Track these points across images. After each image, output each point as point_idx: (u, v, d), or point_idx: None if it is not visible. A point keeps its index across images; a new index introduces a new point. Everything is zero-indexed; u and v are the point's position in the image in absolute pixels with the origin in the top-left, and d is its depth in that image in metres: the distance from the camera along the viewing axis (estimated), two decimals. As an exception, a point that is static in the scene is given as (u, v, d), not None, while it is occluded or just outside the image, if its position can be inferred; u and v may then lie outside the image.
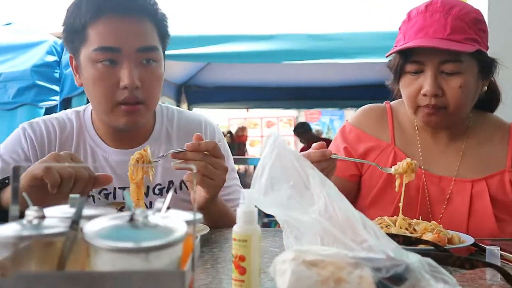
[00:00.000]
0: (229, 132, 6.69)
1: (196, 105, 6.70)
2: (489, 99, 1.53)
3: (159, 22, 1.43)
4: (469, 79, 1.38)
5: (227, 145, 1.67)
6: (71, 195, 0.67)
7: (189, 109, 6.47)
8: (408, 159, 1.31)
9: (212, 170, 1.27)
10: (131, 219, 0.57)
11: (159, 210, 0.65)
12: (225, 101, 6.69)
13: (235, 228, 0.82)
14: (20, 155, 1.43)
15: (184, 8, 4.47)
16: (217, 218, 1.42)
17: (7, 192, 1.20)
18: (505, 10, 2.95)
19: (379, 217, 1.24)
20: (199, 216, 0.70)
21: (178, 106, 6.37)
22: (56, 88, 3.66)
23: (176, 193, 1.48)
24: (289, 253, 0.76)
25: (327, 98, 6.31)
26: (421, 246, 1.08)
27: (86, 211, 0.63)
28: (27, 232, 0.56)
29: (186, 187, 1.51)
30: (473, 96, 1.43)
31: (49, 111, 3.51)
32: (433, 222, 1.21)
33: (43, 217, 0.59)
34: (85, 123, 1.52)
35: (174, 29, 4.16)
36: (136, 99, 1.38)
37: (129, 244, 0.53)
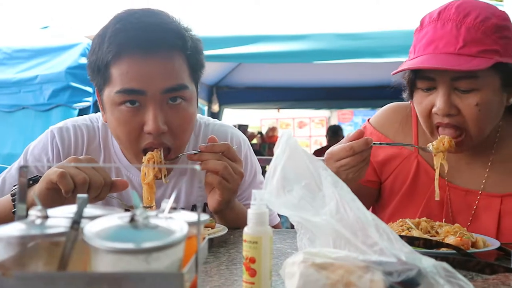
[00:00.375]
0: (260, 133, 6.69)
1: (228, 106, 6.72)
2: None
3: (190, 55, 1.30)
4: (488, 95, 1.23)
5: (255, 159, 1.61)
6: (78, 195, 0.67)
7: (220, 110, 6.52)
8: (447, 137, 1.25)
9: (231, 172, 1.26)
10: (132, 220, 0.57)
11: (162, 211, 0.65)
12: (256, 101, 6.69)
13: (245, 229, 0.82)
14: (44, 166, 1.41)
15: (215, 8, 4.50)
16: (234, 222, 1.40)
17: (30, 192, 1.22)
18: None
19: (400, 220, 1.21)
20: (205, 217, 0.70)
21: (209, 106, 6.42)
22: (89, 89, 3.73)
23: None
24: (299, 255, 0.75)
25: (360, 98, 6.23)
26: (444, 250, 1.04)
27: (90, 211, 0.63)
28: (28, 232, 0.57)
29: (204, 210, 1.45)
30: (496, 112, 1.29)
31: (82, 112, 3.59)
32: (457, 225, 1.17)
33: (46, 217, 0.59)
34: (112, 137, 1.45)
35: (205, 29, 4.20)
36: (162, 145, 1.28)
37: (127, 245, 0.53)
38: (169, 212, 0.67)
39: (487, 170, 1.37)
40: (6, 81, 3.87)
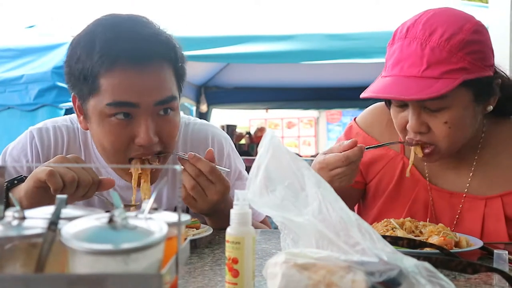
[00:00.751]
0: (248, 133, 6.69)
1: (216, 106, 6.70)
2: (505, 104, 1.33)
3: (178, 67, 1.30)
4: (459, 111, 1.22)
5: (238, 159, 1.59)
6: (58, 196, 0.66)
7: (208, 110, 6.50)
8: (418, 147, 1.28)
9: (200, 192, 1.25)
10: (110, 221, 0.56)
11: (143, 212, 0.64)
12: (244, 101, 6.67)
13: (228, 229, 0.81)
14: (23, 166, 1.39)
15: (202, 8, 4.49)
16: (224, 223, 1.38)
17: (16, 192, 1.21)
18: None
19: (385, 220, 1.21)
20: (186, 218, 0.69)
21: (197, 107, 6.40)
22: (76, 89, 3.68)
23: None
24: (281, 256, 0.74)
25: (348, 98, 6.21)
26: (427, 250, 1.05)
27: (68, 212, 0.62)
28: (5, 233, 0.56)
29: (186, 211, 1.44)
30: (470, 125, 1.27)
31: (68, 112, 3.55)
32: (441, 224, 1.18)
33: (23, 218, 0.59)
34: (92, 141, 1.42)
35: (193, 30, 4.17)
36: (152, 154, 1.28)
37: (105, 246, 0.52)
38: (150, 212, 0.67)
39: (471, 173, 1.36)
40: (-8, 81, 3.83)
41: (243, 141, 6.56)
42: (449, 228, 1.17)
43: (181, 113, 1.53)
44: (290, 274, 0.71)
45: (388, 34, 1.40)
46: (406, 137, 1.29)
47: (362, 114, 1.52)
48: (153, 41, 1.23)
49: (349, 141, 1.22)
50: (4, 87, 3.86)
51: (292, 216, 0.80)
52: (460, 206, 1.34)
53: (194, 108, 6.46)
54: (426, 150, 1.27)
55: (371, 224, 1.39)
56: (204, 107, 6.37)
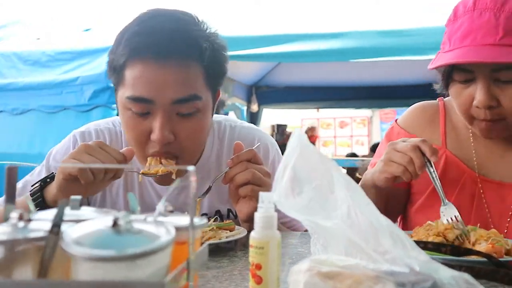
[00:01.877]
0: (298, 133, 6.63)
1: (267, 106, 6.68)
2: None
3: (209, 65, 1.25)
4: None
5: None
6: (72, 197, 0.65)
7: (259, 110, 6.48)
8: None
9: (261, 177, 1.22)
10: (114, 224, 0.53)
11: (156, 215, 0.61)
12: (295, 101, 6.61)
13: (252, 233, 0.77)
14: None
15: (252, 8, 4.48)
16: None
17: (50, 190, 1.22)
18: None
19: (428, 223, 1.13)
20: (202, 221, 0.66)
21: (248, 106, 6.40)
22: (128, 90, 3.77)
23: (222, 221, 1.33)
24: (305, 263, 0.70)
25: (401, 97, 6.03)
26: (473, 258, 0.97)
27: (74, 214, 0.60)
28: (12, 236, 0.54)
29: (234, 215, 1.43)
30: None
31: (121, 112, 3.64)
32: (493, 230, 1.09)
33: (29, 220, 0.57)
34: None
35: (242, 29, 4.17)
36: (168, 155, 1.25)
37: (104, 252, 0.49)
38: (164, 215, 0.64)
39: None
40: (50, 83, 3.98)
41: (293, 141, 6.50)
42: (502, 235, 1.08)
43: (230, 115, 1.53)
44: (313, 282, 0.66)
45: (441, 29, 1.36)
46: (475, 115, 1.23)
47: (403, 115, 1.51)
48: (177, 36, 1.21)
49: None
50: (61, 88, 3.99)
51: (319, 219, 0.75)
52: None
53: (245, 108, 6.46)
54: (493, 127, 1.23)
55: (414, 219, 1.34)
56: (255, 107, 6.36)
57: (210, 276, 0.95)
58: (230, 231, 1.22)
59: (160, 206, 0.62)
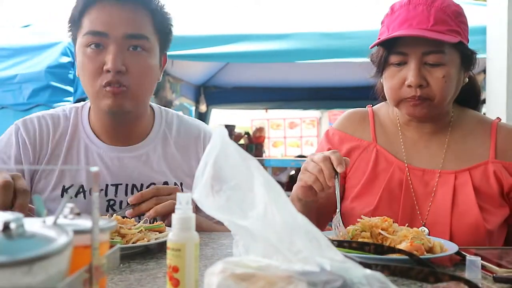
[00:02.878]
0: (247, 133, 6.61)
1: (215, 106, 6.65)
2: (470, 95, 1.54)
3: (155, 13, 1.44)
4: (452, 70, 1.38)
5: None
6: None
7: (207, 110, 6.45)
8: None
9: (167, 207, 1.29)
10: (5, 228, 0.50)
11: (59, 216, 0.58)
12: (244, 101, 6.61)
13: (169, 235, 0.75)
14: (10, 157, 1.44)
15: (200, 8, 4.44)
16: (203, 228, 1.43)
17: None
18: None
19: (359, 221, 1.16)
20: (111, 224, 0.64)
21: (197, 107, 6.35)
22: (70, 89, 3.67)
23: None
24: (218, 264, 0.68)
25: (349, 98, 6.13)
26: (395, 256, 0.98)
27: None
28: None
29: (180, 189, 1.49)
30: (455, 87, 1.42)
31: (61, 111, 3.52)
32: (415, 229, 1.12)
33: None
34: (82, 119, 1.52)
35: (191, 29, 4.11)
36: (119, 83, 1.37)
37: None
38: (70, 218, 0.62)
39: (444, 150, 1.48)
40: (-14, 81, 3.80)
41: (242, 141, 6.49)
42: (425, 232, 1.12)
43: (173, 111, 1.65)
44: (226, 284, 0.65)
45: None
46: (404, 96, 1.39)
47: (337, 119, 1.67)
48: None
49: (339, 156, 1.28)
50: (-3, 86, 3.82)
51: (237, 219, 0.73)
52: (436, 181, 1.44)
53: (193, 108, 6.41)
54: (420, 105, 1.38)
55: (348, 212, 1.44)
56: (203, 107, 6.32)
57: (132, 279, 0.93)
58: (160, 232, 1.20)
59: (58, 210, 0.59)
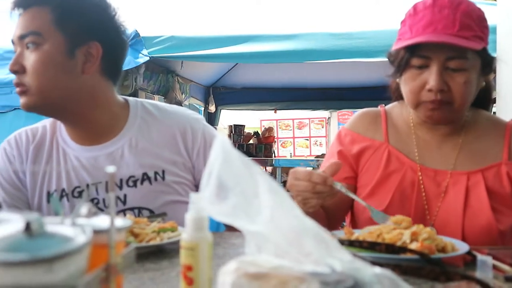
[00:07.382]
0: (256, 133, 6.62)
1: (224, 106, 6.67)
2: (483, 96, 1.52)
3: (56, 7, 1.41)
4: (472, 75, 1.37)
5: (212, 131, 1.61)
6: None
7: (216, 110, 6.47)
8: None
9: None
10: (27, 228, 0.52)
11: (78, 215, 0.60)
12: (253, 102, 6.64)
13: (183, 235, 0.77)
14: (9, 174, 1.52)
15: (210, 8, 4.46)
16: None
17: None
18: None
19: (367, 228, 1.16)
20: (127, 223, 0.65)
21: (206, 107, 6.38)
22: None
23: (151, 184, 1.47)
24: (232, 264, 0.70)
25: (358, 98, 6.14)
26: (407, 255, 0.99)
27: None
28: None
29: (162, 177, 1.49)
30: (474, 92, 1.42)
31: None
32: (427, 229, 1.12)
33: None
34: (60, 127, 1.55)
35: (199, 30, 4.11)
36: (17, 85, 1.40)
37: (14, 257, 0.48)
38: (88, 217, 0.63)
39: (457, 152, 1.48)
40: (-2, 82, 3.85)
41: (251, 142, 6.50)
42: (435, 230, 1.12)
43: (149, 101, 1.64)
44: (239, 283, 0.66)
45: (391, 33, 1.54)
46: (424, 99, 1.37)
47: (348, 120, 1.65)
48: None
49: (336, 161, 1.30)
50: (11, 88, 3.86)
51: (245, 224, 0.75)
52: (447, 181, 1.44)
53: (202, 109, 6.43)
54: (439, 109, 1.37)
55: (359, 211, 1.46)
56: (212, 108, 6.34)
57: (146, 278, 0.94)
58: (172, 231, 1.21)
59: (78, 209, 0.61)
